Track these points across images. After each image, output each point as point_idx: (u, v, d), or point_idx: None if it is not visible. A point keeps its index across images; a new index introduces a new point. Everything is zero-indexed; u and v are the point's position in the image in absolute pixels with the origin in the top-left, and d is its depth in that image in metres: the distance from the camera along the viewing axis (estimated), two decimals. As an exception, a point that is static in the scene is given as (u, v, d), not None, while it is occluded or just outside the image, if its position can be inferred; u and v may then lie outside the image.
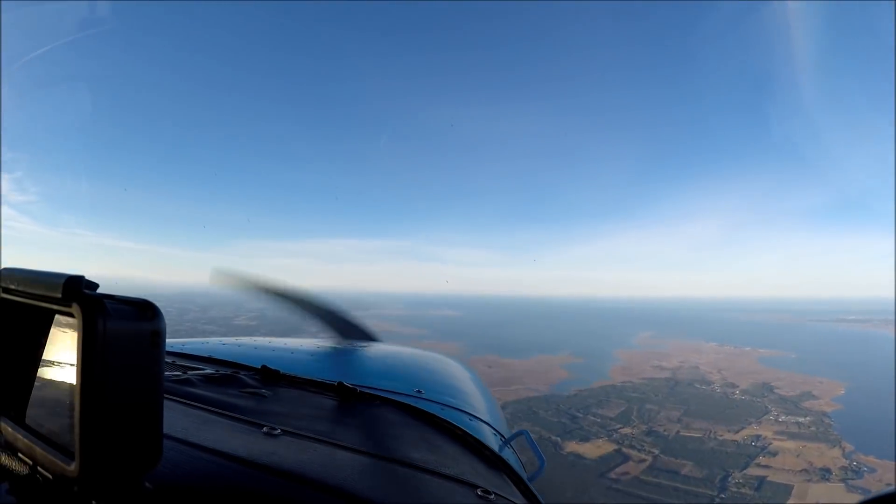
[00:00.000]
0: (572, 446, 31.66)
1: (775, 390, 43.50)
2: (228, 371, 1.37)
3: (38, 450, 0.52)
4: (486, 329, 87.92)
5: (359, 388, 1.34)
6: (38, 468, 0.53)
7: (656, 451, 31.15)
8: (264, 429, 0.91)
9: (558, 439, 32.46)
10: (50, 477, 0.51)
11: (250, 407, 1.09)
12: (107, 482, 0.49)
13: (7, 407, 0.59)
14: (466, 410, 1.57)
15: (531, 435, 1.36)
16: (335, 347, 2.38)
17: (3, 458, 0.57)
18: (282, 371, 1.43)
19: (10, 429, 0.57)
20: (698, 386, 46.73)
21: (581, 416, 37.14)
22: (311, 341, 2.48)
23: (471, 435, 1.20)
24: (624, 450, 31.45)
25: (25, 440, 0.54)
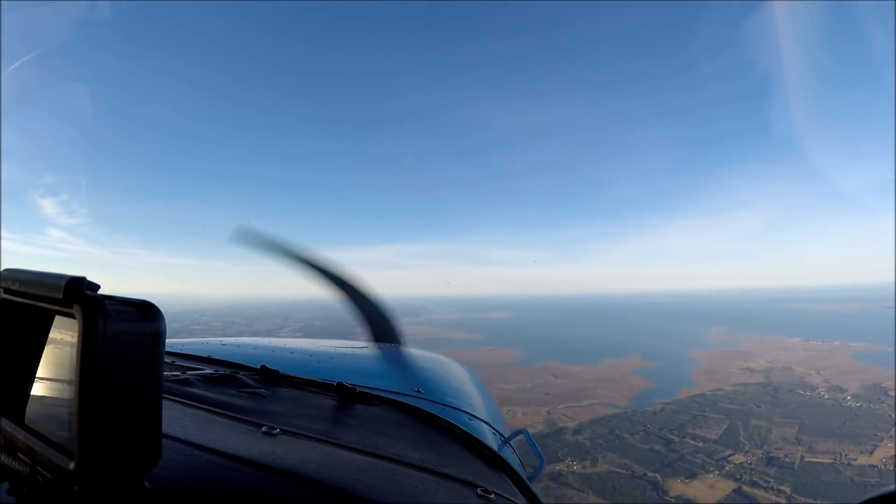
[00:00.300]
0: (678, 487, 25.59)
1: (889, 392, 37.32)
2: (228, 371, 1.37)
3: (38, 449, 0.52)
4: (541, 332, 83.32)
5: (358, 388, 1.35)
6: (38, 468, 0.53)
7: (787, 490, 25.05)
8: (263, 428, 0.92)
9: (657, 476, 26.50)
10: (50, 477, 0.52)
11: (250, 407, 1.09)
12: (106, 482, 0.49)
13: (7, 406, 0.58)
14: (466, 410, 1.57)
15: (530, 434, 1.37)
16: (335, 348, 2.35)
17: (2, 458, 0.57)
18: (281, 371, 1.44)
19: (9, 428, 0.57)
20: (801, 392, 40.36)
21: (677, 439, 31.24)
22: (311, 341, 2.52)
23: (470, 434, 1.20)
24: (745, 489, 25.38)
25: (25, 440, 0.54)
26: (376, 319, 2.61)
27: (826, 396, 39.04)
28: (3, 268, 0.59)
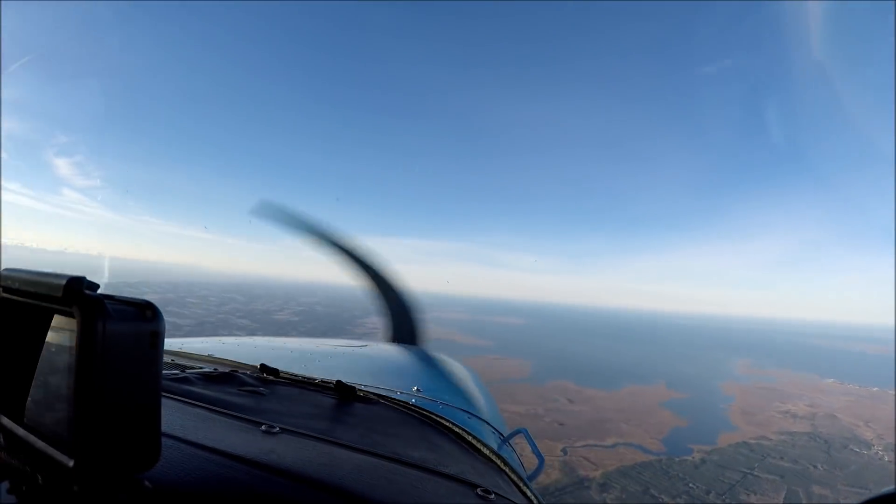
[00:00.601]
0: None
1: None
2: (227, 369, 1.37)
3: (38, 449, 0.52)
4: (554, 344, 77.37)
5: (357, 387, 1.36)
6: (38, 467, 0.53)
7: None
8: (263, 427, 0.92)
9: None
10: (49, 476, 0.52)
11: (249, 405, 1.09)
12: (106, 480, 0.49)
13: (6, 405, 0.59)
14: (465, 409, 1.56)
15: (529, 433, 1.36)
16: (334, 346, 2.37)
17: (2, 457, 0.57)
18: (280, 370, 1.44)
19: (9, 427, 0.57)
20: (857, 450, 34.65)
21: (729, 506, 24.73)
22: (310, 340, 2.56)
23: (469, 433, 1.20)
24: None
25: (25, 438, 0.54)
26: (400, 315, 2.54)
27: (887, 458, 33.54)
28: (3, 267, 0.59)
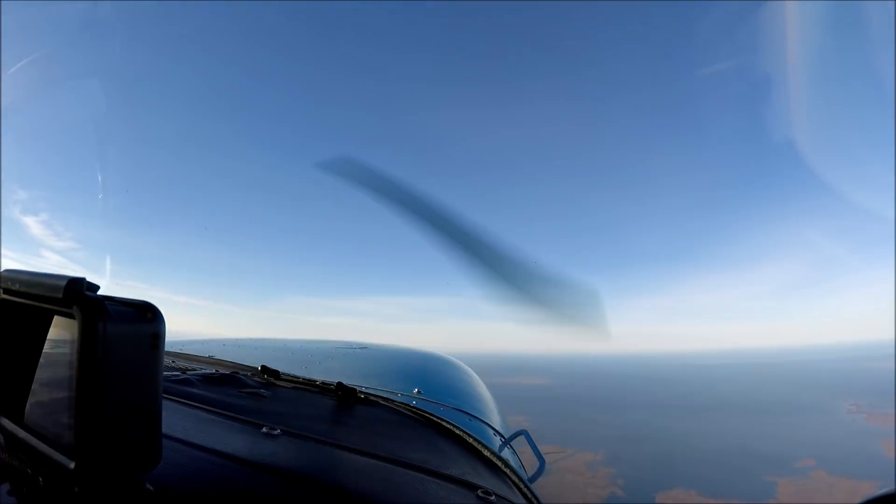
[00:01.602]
0: None
1: None
2: (228, 371, 1.38)
3: (39, 450, 0.52)
4: (609, 412, 56.35)
5: (358, 389, 1.36)
6: (39, 469, 0.52)
7: None
8: (263, 429, 0.92)
9: None
10: (50, 477, 0.51)
11: (249, 407, 1.10)
12: (107, 483, 0.49)
13: (6, 406, 0.58)
14: (466, 411, 1.56)
15: (531, 435, 1.40)
16: (335, 348, 2.44)
17: (3, 458, 0.57)
18: (281, 371, 1.45)
19: (9, 428, 0.57)
20: None
21: None
22: (311, 342, 2.66)
23: (471, 435, 1.20)
24: None
25: (25, 441, 0.54)
26: (509, 280, 1.91)
27: None
28: (2, 268, 0.59)
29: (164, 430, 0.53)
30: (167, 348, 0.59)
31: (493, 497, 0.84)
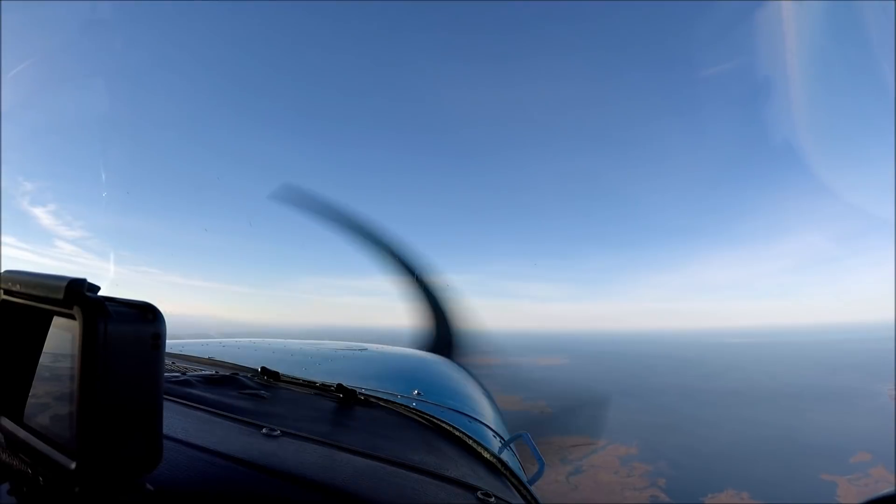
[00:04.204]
0: None
1: None
2: (228, 372, 1.39)
3: (39, 450, 0.52)
4: (634, 396, 53.54)
5: (358, 390, 1.37)
6: (39, 469, 0.53)
7: None
8: (264, 430, 0.93)
9: None
10: (51, 478, 0.51)
11: (250, 408, 1.11)
12: (107, 483, 0.49)
13: (7, 406, 0.59)
14: (466, 412, 1.58)
15: (530, 437, 1.38)
16: (335, 349, 2.39)
17: (4, 457, 0.57)
18: (281, 372, 1.47)
19: (10, 428, 0.57)
20: None
21: None
22: (311, 343, 2.60)
23: (470, 437, 1.20)
24: None
25: (26, 441, 0.54)
26: (439, 321, 2.46)
27: None
28: (3, 269, 0.59)
29: (165, 430, 0.53)
30: (167, 349, 0.60)
31: (492, 499, 0.84)
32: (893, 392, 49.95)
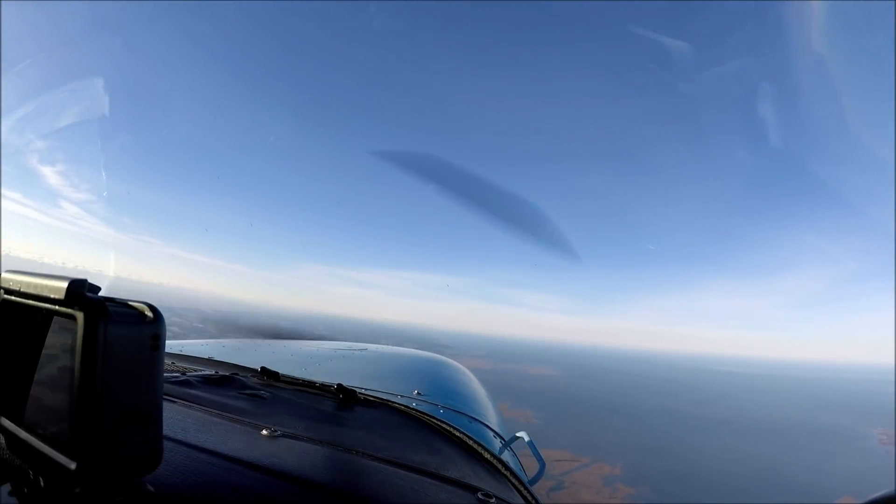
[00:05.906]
0: None
1: None
2: (228, 372, 1.38)
3: (39, 451, 0.52)
4: (624, 416, 53.09)
5: (358, 390, 1.37)
6: (39, 469, 0.53)
7: None
8: (264, 430, 0.93)
9: None
10: (51, 478, 0.52)
11: (250, 409, 1.10)
12: (108, 484, 0.49)
13: (7, 407, 0.58)
14: (466, 413, 1.57)
15: (531, 437, 1.36)
16: (334, 349, 2.37)
17: (3, 458, 0.57)
18: (281, 373, 1.45)
19: (10, 429, 0.57)
20: None
21: None
22: (311, 343, 2.68)
23: (471, 437, 1.20)
24: None
25: (26, 441, 0.54)
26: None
27: None
28: (3, 270, 0.60)
29: (165, 431, 0.53)
30: (167, 349, 0.60)
31: (493, 499, 0.84)
32: (886, 437, 49.52)
